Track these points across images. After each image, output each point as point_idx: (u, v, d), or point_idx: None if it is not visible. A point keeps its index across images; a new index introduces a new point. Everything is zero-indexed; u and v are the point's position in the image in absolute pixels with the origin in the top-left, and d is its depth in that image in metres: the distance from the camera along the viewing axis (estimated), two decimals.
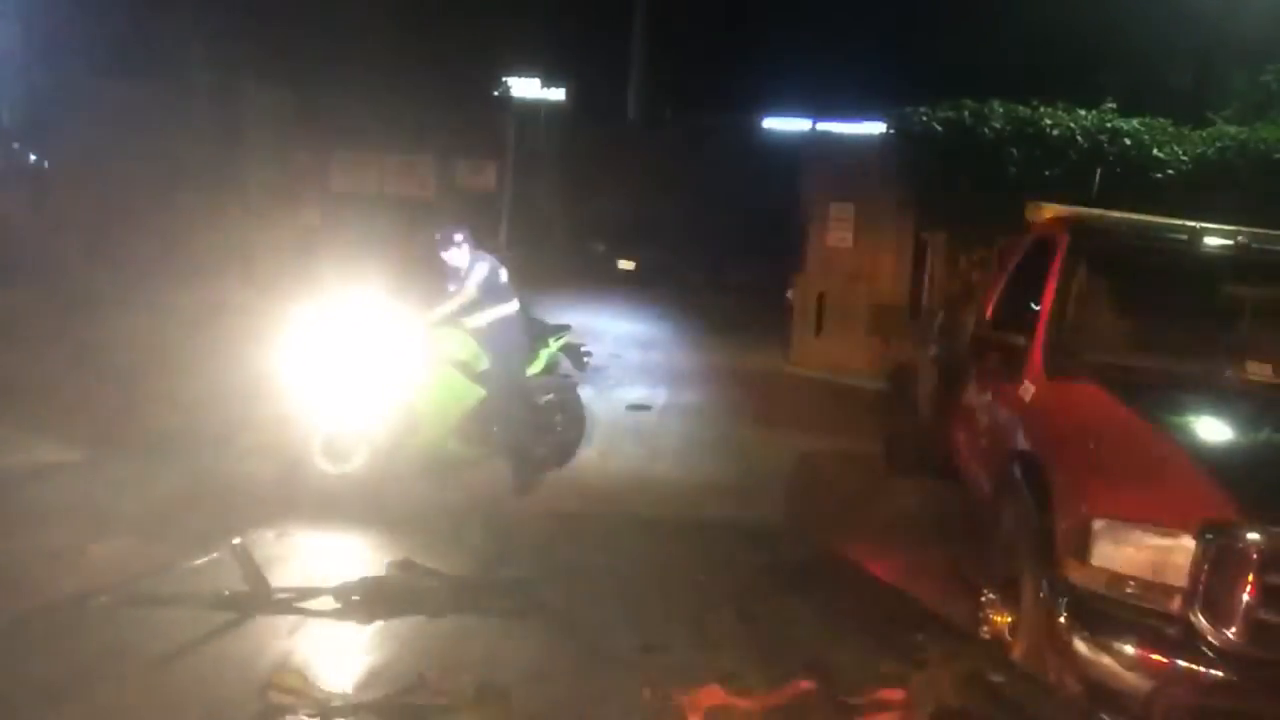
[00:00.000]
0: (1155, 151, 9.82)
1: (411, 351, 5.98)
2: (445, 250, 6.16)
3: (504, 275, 6.28)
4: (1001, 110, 10.18)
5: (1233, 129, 10.18)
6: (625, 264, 18.74)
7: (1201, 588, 3.18)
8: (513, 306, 6.33)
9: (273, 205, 11.25)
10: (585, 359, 7.14)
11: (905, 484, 6.83)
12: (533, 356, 6.55)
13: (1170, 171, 9.72)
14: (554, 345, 6.74)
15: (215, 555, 4.29)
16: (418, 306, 6.11)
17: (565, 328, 6.99)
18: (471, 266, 6.14)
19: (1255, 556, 3.15)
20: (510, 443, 6.25)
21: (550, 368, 6.77)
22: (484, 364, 6.26)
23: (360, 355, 5.86)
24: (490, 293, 6.19)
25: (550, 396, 6.66)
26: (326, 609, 4.04)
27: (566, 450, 6.71)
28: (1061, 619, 3.37)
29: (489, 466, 6.29)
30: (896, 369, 8.11)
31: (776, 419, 8.68)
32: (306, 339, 5.92)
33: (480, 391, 6.21)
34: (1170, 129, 10.09)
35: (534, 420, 6.47)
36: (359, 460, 5.79)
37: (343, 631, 3.92)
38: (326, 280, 6.66)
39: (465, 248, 6.17)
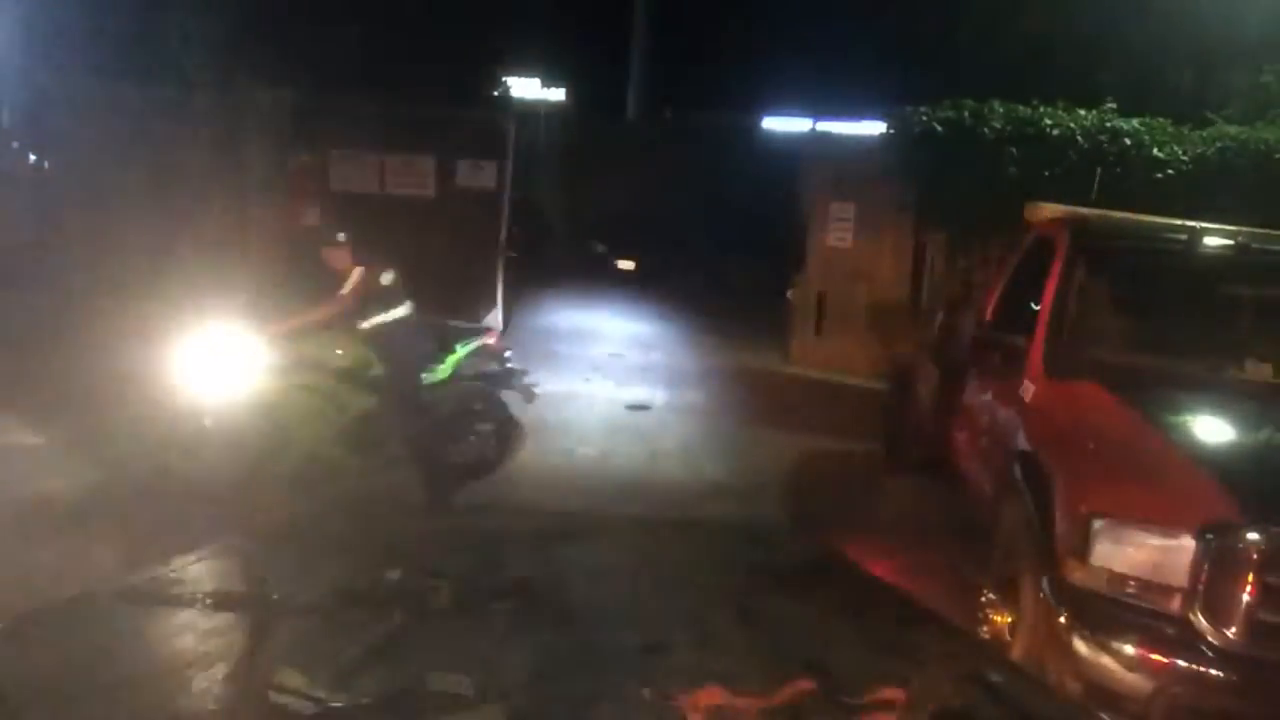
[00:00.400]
0: (1155, 151, 9.83)
1: (270, 361, 5.80)
2: (326, 252, 6.02)
3: (388, 279, 6.07)
4: (1001, 110, 10.19)
5: (1233, 129, 10.18)
6: (625, 264, 18.76)
7: (1201, 588, 3.18)
8: (402, 310, 6.12)
9: (271, 205, 11.25)
10: (506, 363, 6.66)
11: (905, 484, 6.84)
12: (437, 362, 6.26)
13: (1170, 171, 9.72)
14: (462, 350, 6.37)
15: (212, 554, 4.31)
16: (281, 313, 5.95)
17: (480, 330, 6.68)
18: (351, 271, 5.96)
19: (1255, 556, 3.15)
20: (406, 451, 6.04)
21: (459, 373, 6.39)
22: (375, 370, 6.05)
23: (212, 366, 5.70)
24: (371, 298, 6.00)
25: (460, 403, 6.37)
26: (326, 609, 4.05)
27: (491, 459, 6.39)
28: (1061, 619, 3.37)
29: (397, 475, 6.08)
30: (896, 369, 8.11)
31: (776, 419, 8.68)
32: (168, 349, 5.79)
33: (368, 399, 6.00)
34: (1170, 129, 10.09)
35: (441, 427, 6.24)
36: (226, 471, 5.59)
37: (343, 631, 3.92)
38: (191, 290, 6.49)
39: (345, 251, 5.99)
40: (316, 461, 5.87)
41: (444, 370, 6.28)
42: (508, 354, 6.68)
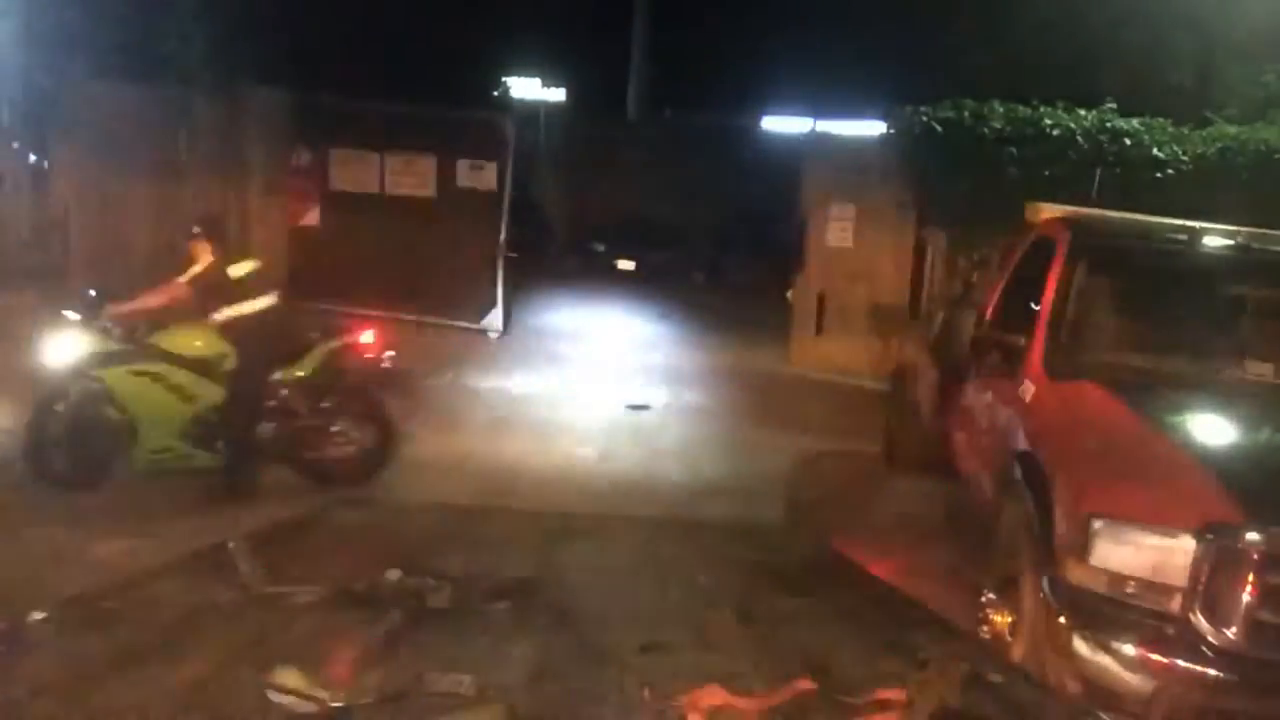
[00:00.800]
0: (1155, 151, 9.83)
1: (115, 349, 5.73)
2: (189, 240, 5.99)
3: (241, 271, 6.00)
4: (1001, 110, 10.19)
5: (1233, 129, 10.19)
6: (625, 264, 18.76)
7: (1201, 588, 3.17)
8: (261, 304, 6.02)
9: (272, 205, 11.26)
10: (383, 364, 6.40)
11: (905, 484, 6.83)
12: (296, 358, 6.08)
13: (1170, 171, 9.73)
14: (322, 348, 6.15)
15: (210, 554, 4.31)
16: (121, 300, 5.87)
17: (350, 329, 6.41)
18: (198, 260, 5.91)
19: (1255, 557, 3.15)
20: (252, 446, 5.94)
21: (321, 370, 6.15)
22: (229, 363, 5.92)
23: (53, 353, 5.66)
24: (219, 289, 5.91)
25: (325, 404, 6.16)
26: (326, 608, 4.04)
27: (355, 462, 6.17)
28: (1061, 619, 3.37)
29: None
30: (896, 369, 8.11)
31: (776, 419, 8.68)
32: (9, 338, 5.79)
33: (218, 392, 5.88)
34: (1170, 129, 10.10)
35: (299, 424, 6.09)
36: (72, 460, 5.60)
37: (343, 631, 3.92)
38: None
39: (201, 241, 5.93)
40: (165, 453, 5.81)
41: (304, 367, 6.11)
42: (389, 354, 6.42)
